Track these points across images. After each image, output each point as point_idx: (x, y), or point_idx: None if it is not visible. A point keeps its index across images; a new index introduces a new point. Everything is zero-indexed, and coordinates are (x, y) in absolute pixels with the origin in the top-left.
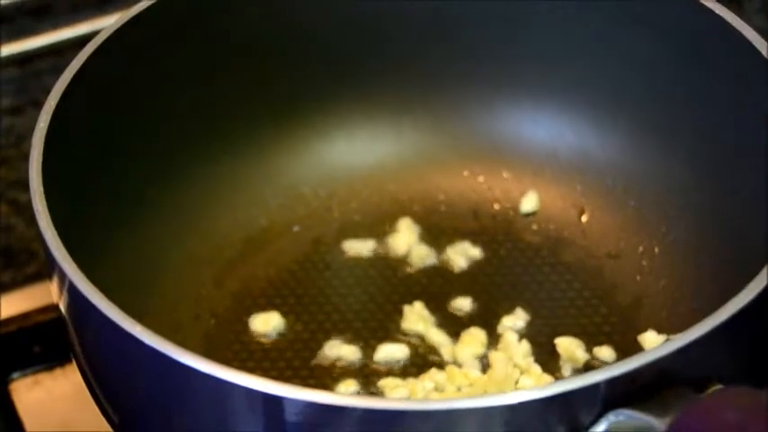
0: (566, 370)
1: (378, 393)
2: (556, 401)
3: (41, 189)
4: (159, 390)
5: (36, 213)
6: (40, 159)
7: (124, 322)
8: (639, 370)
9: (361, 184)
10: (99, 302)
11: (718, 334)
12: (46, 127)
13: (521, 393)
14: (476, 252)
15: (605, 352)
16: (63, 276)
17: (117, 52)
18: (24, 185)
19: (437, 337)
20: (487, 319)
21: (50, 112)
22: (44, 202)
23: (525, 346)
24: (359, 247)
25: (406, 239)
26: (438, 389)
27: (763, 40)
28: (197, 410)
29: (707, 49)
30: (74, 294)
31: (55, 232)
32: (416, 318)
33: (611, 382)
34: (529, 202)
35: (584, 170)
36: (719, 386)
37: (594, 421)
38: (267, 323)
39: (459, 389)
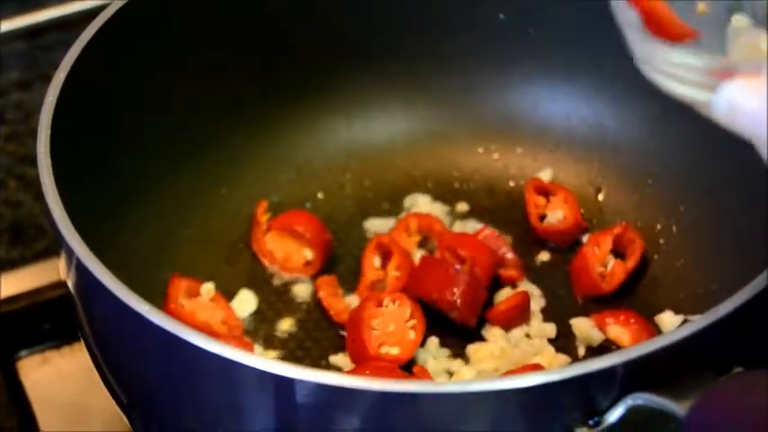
0: (581, 350)
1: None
2: (572, 384)
3: (49, 163)
4: (169, 370)
5: (44, 188)
6: (49, 133)
7: (132, 301)
8: (658, 352)
9: (375, 160)
10: (107, 280)
11: (738, 316)
12: (54, 101)
13: (536, 376)
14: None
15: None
16: (71, 253)
17: (127, 24)
18: (33, 161)
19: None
20: None
21: (59, 86)
22: (52, 177)
23: (540, 325)
24: (380, 225)
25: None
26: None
27: None
28: (207, 391)
29: None
30: (81, 272)
31: (63, 208)
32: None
33: (629, 364)
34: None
35: (601, 147)
36: (740, 370)
37: (612, 405)
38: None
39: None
